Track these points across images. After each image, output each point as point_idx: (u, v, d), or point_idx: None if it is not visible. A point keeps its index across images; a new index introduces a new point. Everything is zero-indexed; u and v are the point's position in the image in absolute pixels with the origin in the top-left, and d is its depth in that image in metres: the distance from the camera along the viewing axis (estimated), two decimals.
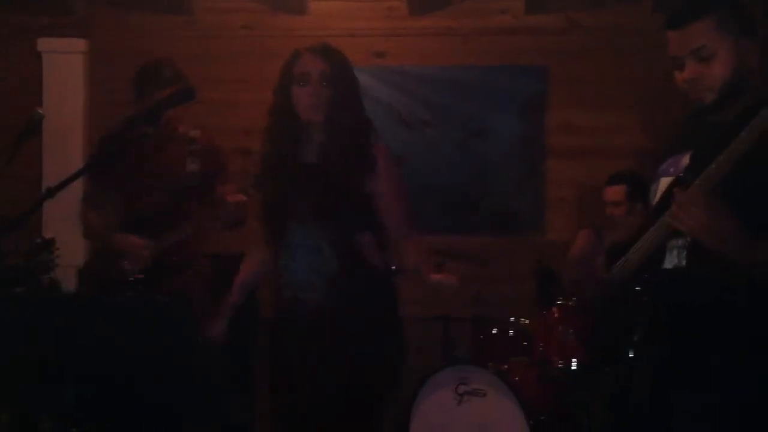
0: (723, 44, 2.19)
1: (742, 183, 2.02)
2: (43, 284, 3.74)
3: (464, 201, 5.11)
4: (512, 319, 4.39)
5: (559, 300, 4.23)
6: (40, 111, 3.51)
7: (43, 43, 5.19)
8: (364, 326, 2.83)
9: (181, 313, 2.61)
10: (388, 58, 5.17)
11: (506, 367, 4.15)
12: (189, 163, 3.81)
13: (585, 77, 5.03)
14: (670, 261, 2.21)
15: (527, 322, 4.35)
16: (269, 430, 3.20)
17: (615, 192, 4.41)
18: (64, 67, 3.92)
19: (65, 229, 4.30)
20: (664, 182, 2.29)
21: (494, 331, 4.40)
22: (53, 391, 2.46)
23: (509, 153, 5.08)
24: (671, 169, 2.30)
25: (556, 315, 4.20)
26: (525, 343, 4.31)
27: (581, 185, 5.00)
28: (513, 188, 5.08)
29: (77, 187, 4.21)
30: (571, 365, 4.09)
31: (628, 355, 2.20)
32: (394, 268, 3.07)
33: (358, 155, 2.87)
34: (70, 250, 4.20)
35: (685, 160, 2.26)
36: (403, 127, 5.10)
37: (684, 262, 2.17)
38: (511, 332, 4.38)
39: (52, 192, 3.20)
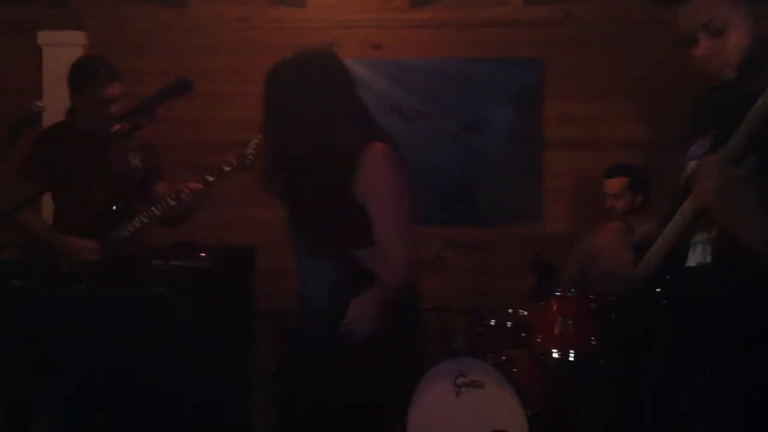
0: (734, 13, 2.01)
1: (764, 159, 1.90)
2: (40, 277, 3.73)
3: (461, 193, 5.10)
4: (510, 310, 4.38)
5: (557, 291, 4.23)
6: (40, 104, 3.48)
7: (43, 37, 5.19)
8: (366, 338, 2.69)
9: (181, 310, 2.59)
10: (385, 50, 5.16)
11: (504, 358, 4.15)
12: (131, 159, 3.82)
13: (581, 69, 5.02)
14: (694, 258, 2.08)
15: (525, 313, 4.35)
16: (269, 430, 3.18)
17: (615, 184, 4.40)
18: (64, 60, 3.90)
19: None
20: (692, 167, 2.14)
21: (492, 322, 4.39)
22: (50, 386, 2.45)
23: (506, 145, 5.08)
24: (699, 152, 2.15)
25: (554, 306, 4.19)
26: (523, 335, 4.31)
27: (578, 176, 5.00)
28: (510, 180, 5.07)
29: None
30: (568, 356, 4.09)
31: (643, 353, 2.13)
32: None
33: (331, 156, 2.69)
34: None
35: None
36: (399, 120, 5.09)
37: (708, 259, 2.04)
38: (509, 324, 4.36)
39: (51, 185, 3.19)
